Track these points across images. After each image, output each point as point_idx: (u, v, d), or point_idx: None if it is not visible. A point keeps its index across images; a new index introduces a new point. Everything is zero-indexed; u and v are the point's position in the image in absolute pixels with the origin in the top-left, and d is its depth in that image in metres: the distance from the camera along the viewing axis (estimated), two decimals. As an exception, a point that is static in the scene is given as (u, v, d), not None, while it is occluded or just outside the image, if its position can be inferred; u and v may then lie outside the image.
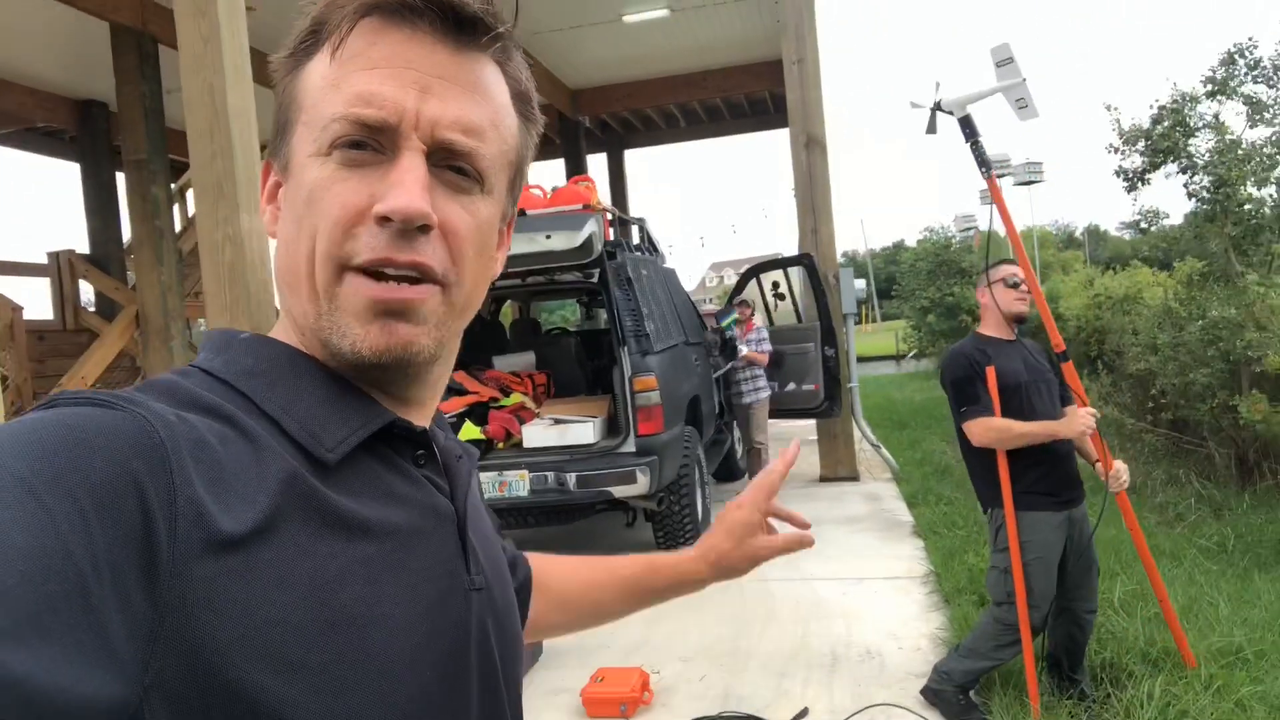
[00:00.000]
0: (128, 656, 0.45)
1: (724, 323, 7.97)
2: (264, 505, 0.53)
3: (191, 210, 12.32)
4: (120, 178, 9.65)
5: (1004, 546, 3.26)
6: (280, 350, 0.63)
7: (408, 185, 0.58)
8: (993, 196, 3.25)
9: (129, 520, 0.47)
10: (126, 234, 10.09)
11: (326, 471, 0.58)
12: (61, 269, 9.41)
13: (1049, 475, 3.24)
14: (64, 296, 9.41)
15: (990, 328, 3.42)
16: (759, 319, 8.20)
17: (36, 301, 10.18)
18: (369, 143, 0.59)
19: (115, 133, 9.95)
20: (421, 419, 0.68)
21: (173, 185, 9.05)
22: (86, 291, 9.98)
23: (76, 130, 10.66)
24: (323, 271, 0.60)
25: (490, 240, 0.66)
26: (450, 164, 0.61)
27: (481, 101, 0.63)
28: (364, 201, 0.59)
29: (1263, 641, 3.77)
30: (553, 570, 0.99)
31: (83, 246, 10.23)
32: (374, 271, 0.59)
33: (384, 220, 0.58)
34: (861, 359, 13.02)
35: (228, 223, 5.20)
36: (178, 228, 9.31)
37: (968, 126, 3.19)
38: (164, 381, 0.59)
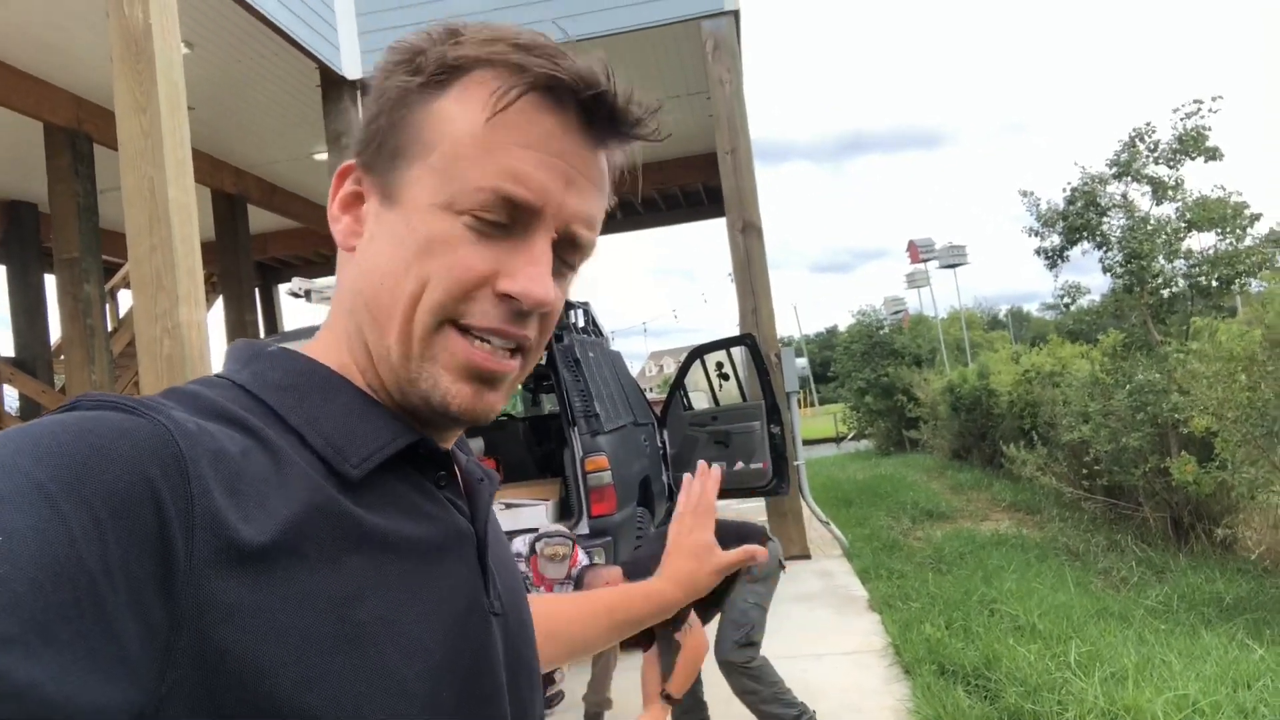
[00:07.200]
0: (143, 665, 0.44)
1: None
2: (284, 517, 0.52)
3: (123, 312, 12.10)
4: (49, 279, 9.44)
5: None
6: (309, 366, 0.63)
7: (541, 273, 0.60)
8: None
9: (145, 529, 0.46)
10: (54, 336, 9.84)
11: (349, 487, 0.58)
12: (-16, 373, 9.11)
13: None
14: (-14, 402, 9.09)
15: None
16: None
17: (-45, 407, 9.78)
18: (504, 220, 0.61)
19: (45, 233, 9.78)
20: (444, 442, 0.68)
21: (104, 286, 8.88)
22: (10, 396, 9.62)
23: (3, 232, 10.45)
24: (425, 319, 0.60)
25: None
26: (564, 252, 0.64)
27: (601, 198, 0.66)
28: (489, 271, 0.60)
29: (1216, 693, 3.83)
30: (539, 608, 0.99)
31: (7, 350, 9.92)
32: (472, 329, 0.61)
33: (507, 298, 0.60)
34: (804, 442, 13.14)
35: (167, 316, 5.13)
36: (109, 328, 9.10)
37: None
38: (187, 390, 0.58)
